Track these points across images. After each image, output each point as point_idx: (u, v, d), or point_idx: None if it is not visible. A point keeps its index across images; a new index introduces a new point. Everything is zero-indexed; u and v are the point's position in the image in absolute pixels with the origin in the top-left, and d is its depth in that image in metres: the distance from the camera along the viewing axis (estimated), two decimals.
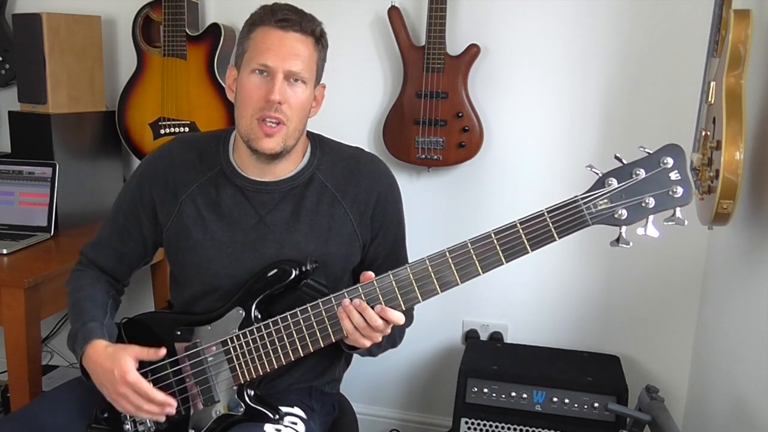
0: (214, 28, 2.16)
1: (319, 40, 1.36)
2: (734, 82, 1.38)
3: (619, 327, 2.13)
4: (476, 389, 1.90)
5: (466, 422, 1.90)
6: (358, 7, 2.13)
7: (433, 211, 2.19)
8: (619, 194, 1.14)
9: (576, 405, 1.85)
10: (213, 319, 1.37)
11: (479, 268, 1.19)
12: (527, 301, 2.18)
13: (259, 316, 1.34)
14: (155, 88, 2.21)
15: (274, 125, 1.32)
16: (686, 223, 1.13)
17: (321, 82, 1.42)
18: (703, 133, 1.50)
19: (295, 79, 1.32)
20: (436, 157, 2.06)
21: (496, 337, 2.20)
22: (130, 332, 1.45)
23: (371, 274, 1.25)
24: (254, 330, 1.31)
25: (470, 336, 2.22)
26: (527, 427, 1.88)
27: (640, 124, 2.00)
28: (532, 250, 1.17)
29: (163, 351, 1.34)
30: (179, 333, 1.38)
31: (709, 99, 1.43)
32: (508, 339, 2.20)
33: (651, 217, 1.14)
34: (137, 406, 1.30)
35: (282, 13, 1.32)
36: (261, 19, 1.33)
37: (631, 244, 1.15)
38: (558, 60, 2.04)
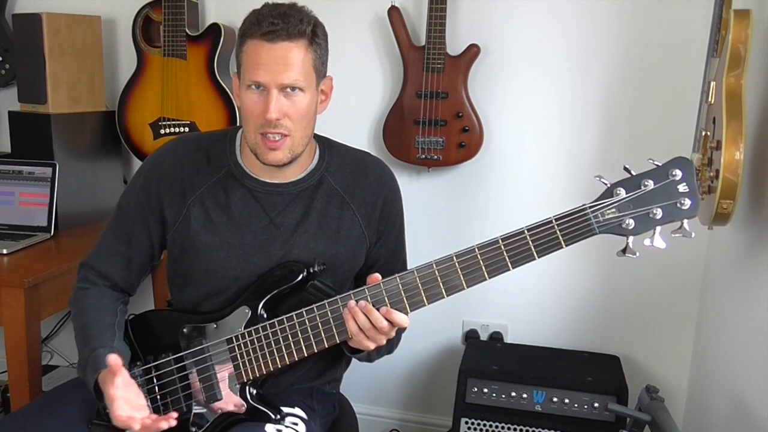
0: (214, 28, 2.16)
1: (313, 38, 1.29)
2: (734, 82, 1.38)
3: (619, 327, 2.13)
4: (476, 389, 1.90)
5: (466, 422, 1.90)
6: (358, 7, 2.13)
7: (433, 211, 2.19)
8: (626, 204, 1.15)
9: (576, 405, 1.85)
10: (219, 317, 1.37)
11: (486, 273, 1.20)
12: (527, 301, 2.18)
13: (265, 316, 1.34)
14: (155, 88, 2.21)
15: (278, 138, 1.30)
16: (693, 235, 1.13)
17: (327, 75, 1.38)
18: (703, 133, 1.50)
19: (291, 88, 1.28)
20: (436, 157, 2.06)
21: (496, 337, 2.20)
22: (137, 329, 1.45)
23: (378, 276, 1.25)
24: (260, 329, 1.32)
25: (470, 336, 2.22)
26: (527, 427, 1.88)
27: (640, 124, 2.01)
28: (538, 257, 1.18)
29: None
30: (185, 330, 1.38)
31: (709, 99, 1.43)
32: (508, 339, 2.20)
33: (658, 228, 1.15)
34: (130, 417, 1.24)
35: (267, 24, 1.25)
36: (249, 30, 1.28)
37: (638, 254, 1.15)
38: (558, 59, 2.04)
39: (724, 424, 1.66)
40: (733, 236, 1.71)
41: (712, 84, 1.42)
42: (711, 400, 1.81)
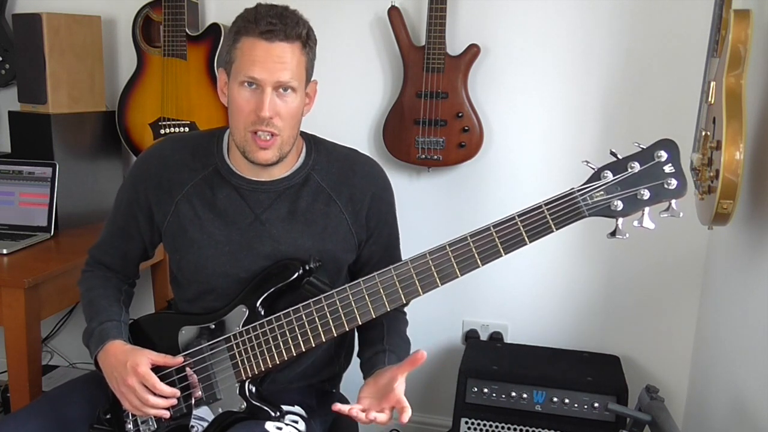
0: (214, 28, 2.17)
1: (306, 42, 1.32)
2: (734, 82, 1.38)
3: (619, 327, 2.13)
4: (476, 389, 1.90)
5: (466, 422, 1.90)
6: (358, 7, 2.13)
7: (434, 211, 2.19)
8: (614, 186, 1.16)
9: (576, 405, 1.85)
10: (217, 317, 1.38)
11: (479, 260, 1.21)
12: (527, 301, 2.18)
13: (263, 313, 1.34)
14: (155, 88, 2.21)
15: (268, 137, 1.32)
16: (681, 215, 1.14)
17: (313, 79, 1.40)
18: (703, 133, 1.50)
19: (284, 89, 1.30)
20: (436, 157, 2.06)
21: (496, 337, 2.20)
22: (135, 334, 1.46)
23: (424, 353, 1.24)
24: (257, 326, 1.32)
25: (470, 336, 2.22)
26: (527, 427, 1.88)
27: (640, 124, 2.01)
28: (530, 242, 1.19)
29: (180, 359, 1.36)
30: (183, 332, 1.39)
31: (709, 99, 1.43)
32: (508, 339, 2.20)
33: (647, 210, 1.16)
34: (143, 400, 1.32)
35: (265, 23, 1.27)
36: (246, 28, 1.29)
37: (627, 235, 1.16)
38: (558, 60, 2.04)
39: (724, 424, 1.66)
40: (733, 236, 1.71)
41: (712, 84, 1.42)
42: (711, 400, 1.81)
